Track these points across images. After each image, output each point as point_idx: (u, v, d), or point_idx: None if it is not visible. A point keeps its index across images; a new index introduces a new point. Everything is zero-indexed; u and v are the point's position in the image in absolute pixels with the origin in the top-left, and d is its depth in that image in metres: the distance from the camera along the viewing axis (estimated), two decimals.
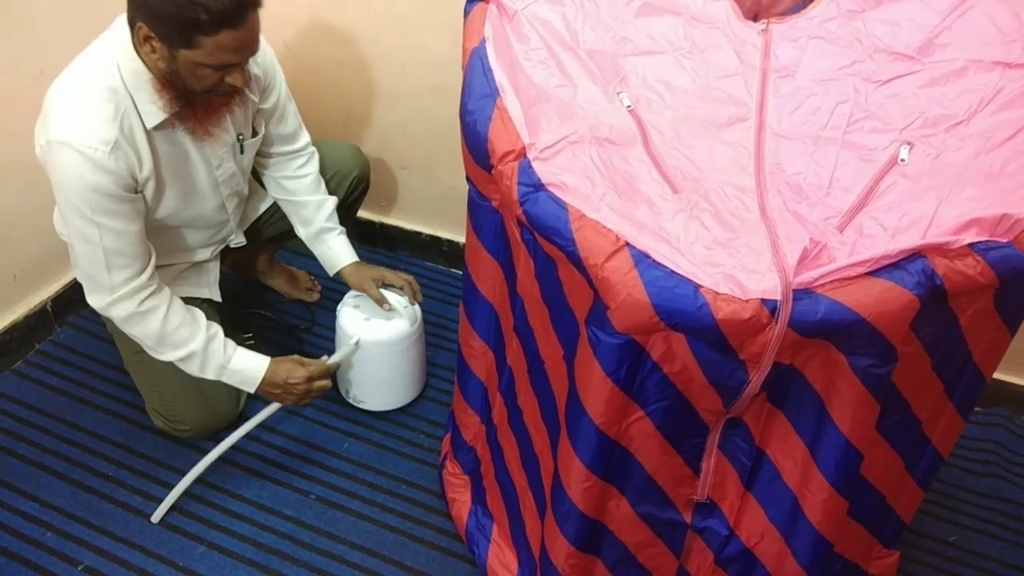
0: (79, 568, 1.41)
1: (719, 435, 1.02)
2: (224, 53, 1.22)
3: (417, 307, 1.68)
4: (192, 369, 1.43)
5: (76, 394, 1.73)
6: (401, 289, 1.66)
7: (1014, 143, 0.97)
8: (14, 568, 1.40)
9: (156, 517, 1.49)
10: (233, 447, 1.62)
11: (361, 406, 1.72)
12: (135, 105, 1.28)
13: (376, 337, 1.61)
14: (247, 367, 1.46)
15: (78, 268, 1.36)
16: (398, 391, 1.73)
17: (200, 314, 1.44)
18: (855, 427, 0.96)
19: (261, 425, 1.52)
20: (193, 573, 1.42)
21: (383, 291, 1.63)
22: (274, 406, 1.52)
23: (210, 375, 1.44)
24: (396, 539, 1.50)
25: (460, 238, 2.11)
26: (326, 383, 1.54)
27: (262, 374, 1.46)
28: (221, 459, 1.59)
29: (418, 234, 2.18)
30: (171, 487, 1.54)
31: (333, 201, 1.68)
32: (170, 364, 1.42)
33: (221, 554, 1.45)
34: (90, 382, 1.75)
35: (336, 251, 1.68)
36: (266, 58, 1.47)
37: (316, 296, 2.02)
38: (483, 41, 1.11)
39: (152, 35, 1.20)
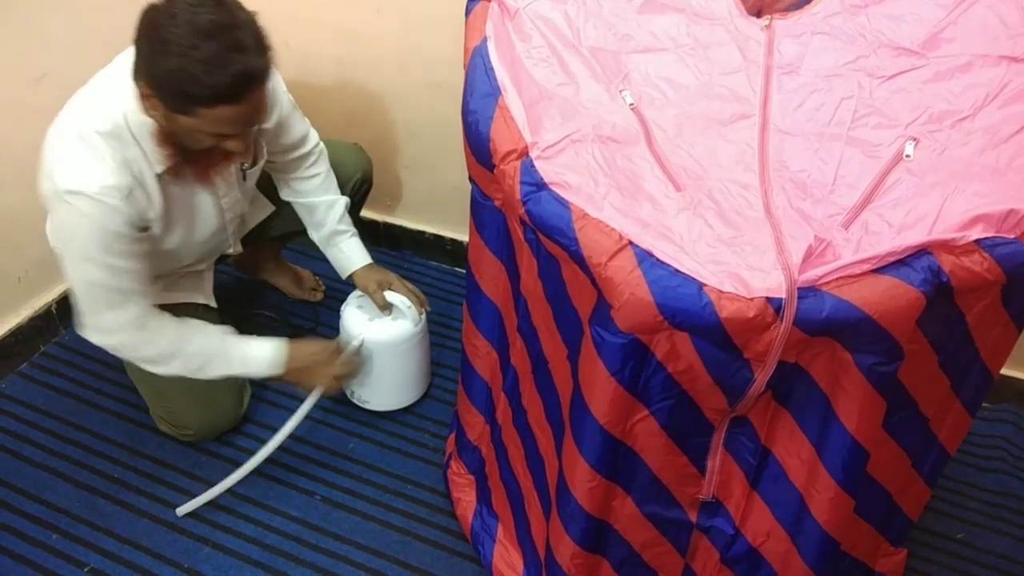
0: (85, 570, 1.41)
1: (724, 434, 1.02)
2: (222, 125, 1.20)
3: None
4: (215, 368, 1.42)
5: (81, 396, 1.73)
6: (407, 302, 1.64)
7: (1020, 138, 0.97)
8: (20, 570, 1.40)
9: (182, 511, 1.49)
10: (238, 449, 1.63)
11: (366, 406, 1.72)
12: (144, 152, 1.28)
13: (380, 337, 1.61)
14: (268, 348, 1.45)
15: (82, 310, 1.34)
16: (402, 391, 1.73)
17: (205, 322, 1.44)
18: (861, 425, 0.95)
19: (264, 427, 1.52)
20: (198, 574, 1.42)
21: (388, 293, 1.62)
22: (310, 401, 1.51)
23: (236, 367, 1.43)
24: (401, 539, 1.50)
25: (464, 237, 2.10)
26: (355, 361, 1.55)
27: (285, 348, 1.46)
28: (227, 461, 1.59)
29: (422, 233, 2.18)
30: (176, 488, 1.55)
31: (344, 202, 1.65)
32: None
33: (226, 555, 1.45)
34: (95, 384, 1.75)
35: (348, 254, 1.66)
36: None
37: (320, 296, 2.02)
38: (485, 40, 1.11)
39: (151, 94, 1.19)
